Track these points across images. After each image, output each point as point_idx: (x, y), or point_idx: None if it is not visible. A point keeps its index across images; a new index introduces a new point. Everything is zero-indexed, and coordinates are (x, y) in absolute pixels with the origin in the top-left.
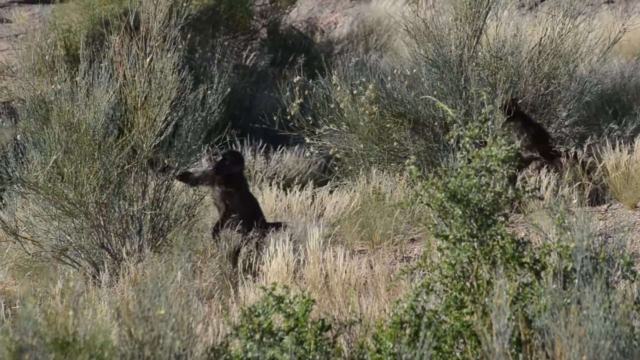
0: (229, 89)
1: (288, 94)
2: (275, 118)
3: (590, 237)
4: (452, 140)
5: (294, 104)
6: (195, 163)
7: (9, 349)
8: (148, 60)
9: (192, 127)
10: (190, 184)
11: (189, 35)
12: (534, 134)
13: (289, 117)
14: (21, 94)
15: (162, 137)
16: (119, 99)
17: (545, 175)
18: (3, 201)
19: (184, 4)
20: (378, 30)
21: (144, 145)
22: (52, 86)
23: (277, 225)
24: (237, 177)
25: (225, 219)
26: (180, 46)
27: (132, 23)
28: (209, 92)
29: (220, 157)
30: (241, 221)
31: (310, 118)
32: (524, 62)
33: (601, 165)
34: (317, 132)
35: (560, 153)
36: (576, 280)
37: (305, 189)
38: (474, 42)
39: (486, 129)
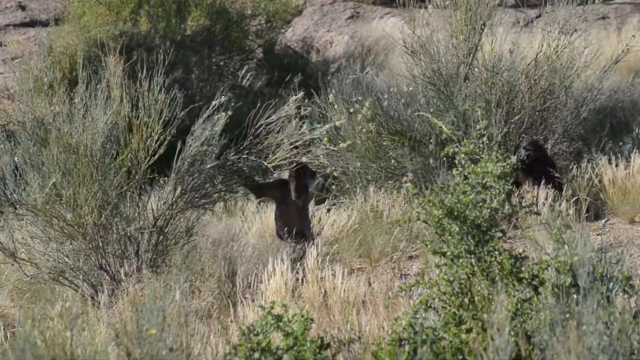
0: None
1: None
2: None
3: (586, 252)
4: (446, 156)
5: (290, 125)
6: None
7: None
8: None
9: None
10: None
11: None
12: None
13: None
14: (19, 116)
15: (156, 156)
16: (116, 120)
17: (543, 191)
18: (0, 223)
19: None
20: (374, 49)
21: (139, 165)
22: (51, 108)
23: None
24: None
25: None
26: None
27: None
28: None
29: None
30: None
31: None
32: (520, 78)
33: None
34: (313, 151)
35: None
36: (575, 296)
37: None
38: (470, 59)
39: (481, 145)
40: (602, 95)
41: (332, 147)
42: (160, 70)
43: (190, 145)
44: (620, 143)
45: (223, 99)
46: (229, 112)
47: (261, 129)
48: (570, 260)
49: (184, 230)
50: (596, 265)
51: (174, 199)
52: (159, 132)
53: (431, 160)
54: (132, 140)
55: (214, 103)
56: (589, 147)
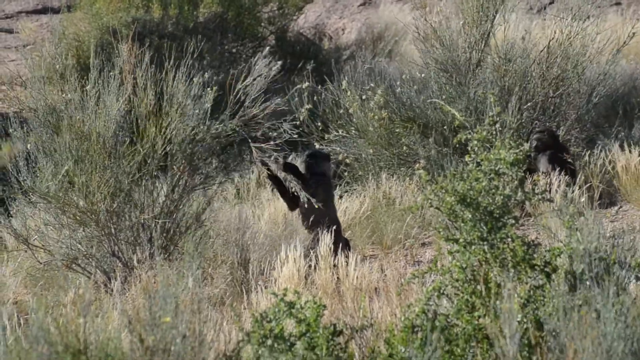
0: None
1: (297, 99)
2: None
3: (599, 239)
4: (459, 144)
5: (303, 110)
6: (212, 175)
7: (20, 358)
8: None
9: (206, 137)
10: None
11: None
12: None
13: (298, 123)
14: (32, 103)
15: (172, 145)
16: (130, 107)
17: (556, 178)
18: (12, 210)
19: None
20: (386, 36)
21: (155, 153)
22: (63, 95)
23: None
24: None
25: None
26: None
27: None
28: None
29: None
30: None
31: (319, 124)
32: (532, 65)
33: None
34: (326, 138)
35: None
36: (588, 283)
37: None
38: (482, 46)
39: (494, 132)
40: (615, 81)
41: (343, 133)
42: (187, 62)
43: (182, 124)
44: (634, 128)
45: (206, 76)
46: (214, 88)
47: (240, 94)
48: (583, 247)
49: (194, 216)
50: (609, 252)
51: (175, 181)
52: (177, 120)
53: (444, 147)
54: (150, 129)
55: (195, 81)
56: (602, 134)
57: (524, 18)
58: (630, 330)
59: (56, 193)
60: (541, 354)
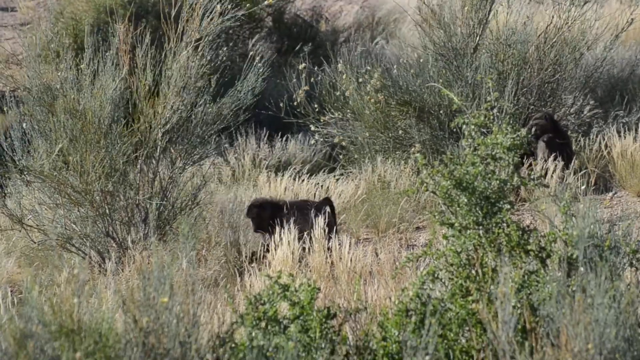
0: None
1: (294, 80)
2: (281, 104)
3: (594, 225)
4: (456, 128)
5: (300, 91)
6: (205, 153)
7: (14, 337)
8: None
9: (203, 118)
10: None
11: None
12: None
13: (295, 103)
14: (27, 82)
15: (168, 126)
16: (126, 87)
17: (552, 164)
18: (7, 190)
19: None
20: (384, 18)
21: (151, 133)
22: (58, 74)
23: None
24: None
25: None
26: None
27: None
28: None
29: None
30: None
31: (316, 106)
32: (529, 50)
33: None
34: (322, 120)
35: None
36: (582, 268)
37: (315, 177)
38: (480, 31)
39: (491, 117)
40: (613, 67)
41: (339, 116)
42: (188, 45)
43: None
44: (630, 114)
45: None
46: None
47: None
48: (574, 233)
49: (189, 196)
50: (604, 238)
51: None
52: (173, 102)
53: (449, 127)
54: (147, 110)
55: (196, 63)
56: (598, 119)
57: (525, 3)
58: (623, 317)
59: (51, 172)
60: (535, 339)
